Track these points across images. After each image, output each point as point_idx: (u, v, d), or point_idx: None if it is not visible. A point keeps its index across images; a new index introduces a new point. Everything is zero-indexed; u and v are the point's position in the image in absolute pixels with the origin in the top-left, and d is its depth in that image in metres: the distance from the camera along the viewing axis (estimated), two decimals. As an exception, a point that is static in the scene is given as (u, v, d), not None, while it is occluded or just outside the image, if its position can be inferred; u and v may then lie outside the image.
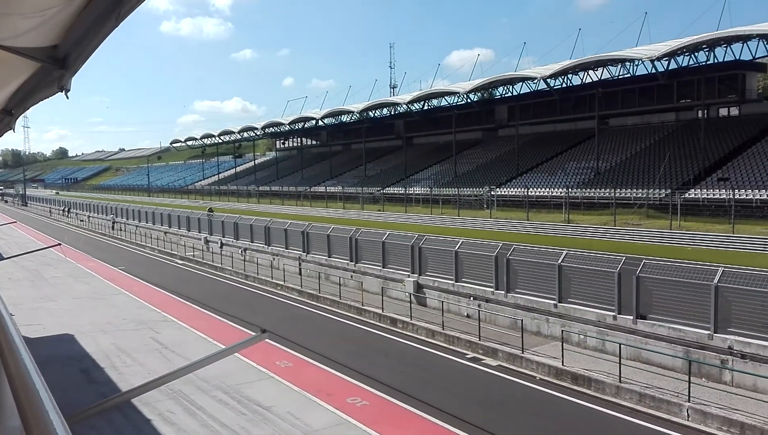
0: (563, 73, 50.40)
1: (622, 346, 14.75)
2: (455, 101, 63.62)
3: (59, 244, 21.71)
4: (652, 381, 13.97)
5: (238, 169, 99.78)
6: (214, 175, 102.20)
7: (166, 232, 47.70)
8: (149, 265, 37.49)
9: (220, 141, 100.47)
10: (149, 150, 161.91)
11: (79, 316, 22.03)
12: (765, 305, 13.52)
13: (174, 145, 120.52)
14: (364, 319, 22.24)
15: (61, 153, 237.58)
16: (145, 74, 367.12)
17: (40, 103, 5.66)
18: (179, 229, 46.97)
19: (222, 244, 38.86)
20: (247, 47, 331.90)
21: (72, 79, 3.84)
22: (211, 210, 51.89)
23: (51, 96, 4.46)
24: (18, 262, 31.13)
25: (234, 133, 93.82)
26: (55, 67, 3.82)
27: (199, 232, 43.09)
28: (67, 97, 4.02)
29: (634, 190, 40.52)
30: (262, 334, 2.30)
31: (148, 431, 11.54)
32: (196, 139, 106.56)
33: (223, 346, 2.94)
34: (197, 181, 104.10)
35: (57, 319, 21.39)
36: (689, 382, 12.88)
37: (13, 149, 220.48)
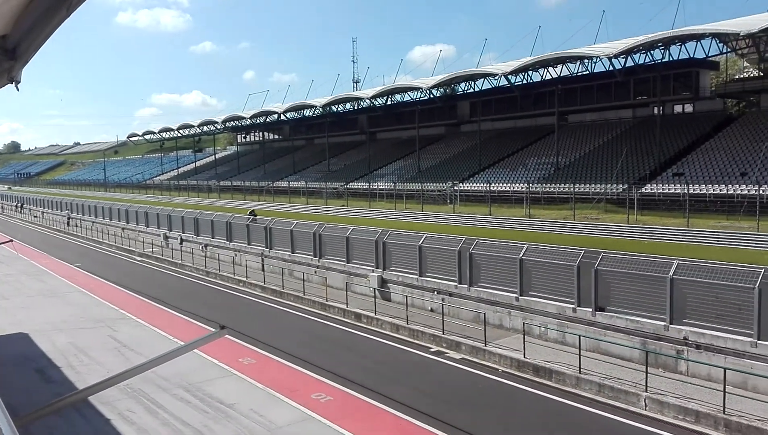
0: (524, 69, 51.03)
1: (581, 337, 15.04)
2: (418, 96, 63.85)
3: (11, 241, 21.00)
4: (611, 372, 14.31)
5: (198, 163, 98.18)
6: (173, 170, 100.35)
7: (123, 228, 46.64)
8: (106, 261, 36.59)
9: (180, 135, 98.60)
10: (106, 144, 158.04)
11: (33, 315, 21.38)
12: (718, 297, 13.97)
13: (131, 139, 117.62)
14: (329, 315, 22.17)
15: (14, 147, 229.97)
16: (101, 66, 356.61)
17: (-10, 94, 5.43)
18: (137, 224, 45.95)
19: (182, 240, 38.18)
20: (206, 40, 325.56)
21: (22, 70, 3.70)
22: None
23: (0, 88, 4.30)
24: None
25: (194, 126, 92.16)
26: (4, 58, 3.67)
27: (158, 228, 42.22)
28: (18, 90, 3.86)
29: (593, 185, 41.36)
30: (221, 330, 2.25)
31: (108, 431, 11.27)
32: (154, 132, 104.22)
33: (182, 343, 2.87)
34: (156, 176, 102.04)
35: (11, 318, 20.72)
36: (646, 372, 13.24)
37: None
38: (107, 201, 61.58)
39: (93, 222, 52.51)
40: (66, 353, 16.55)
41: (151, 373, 13.56)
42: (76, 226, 54.64)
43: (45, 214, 64.95)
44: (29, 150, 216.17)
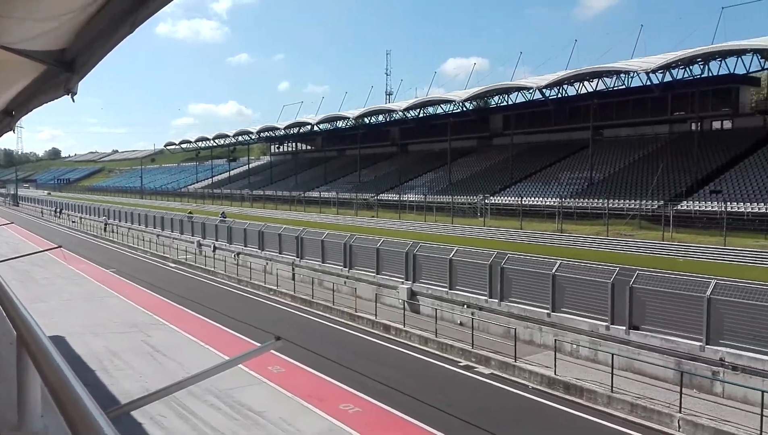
0: (559, 83, 50.70)
1: (614, 356, 14.80)
2: (451, 109, 63.83)
3: (59, 247, 21.56)
4: (644, 391, 14.03)
5: (232, 172, 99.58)
6: (207, 179, 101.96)
7: (158, 235, 47.52)
8: (141, 267, 37.32)
9: (215, 144, 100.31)
10: (143, 152, 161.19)
11: (70, 318, 21.90)
12: (755, 318, 13.62)
13: (168, 147, 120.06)
14: (358, 326, 22.23)
15: (54, 153, 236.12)
16: (139, 76, 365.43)
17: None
18: (172, 231, 46.76)
19: (215, 248, 38.73)
20: (243, 51, 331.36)
21: (79, 83, 3.85)
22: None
23: (56, 99, 4.46)
24: (8, 262, 30.93)
25: (229, 136, 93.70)
26: (61, 70, 3.82)
27: (192, 236, 42.93)
28: (73, 101, 4.01)
29: (627, 201, 40.74)
30: (277, 341, 2.29)
31: (140, 435, 11.47)
32: (190, 142, 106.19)
33: (226, 355, 2.92)
34: (191, 184, 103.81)
35: (48, 321, 21.20)
36: (681, 393, 12.95)
37: (5, 149, 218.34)
38: (143, 208, 62.89)
39: (129, 228, 53.66)
40: (101, 357, 16.92)
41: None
42: (113, 231, 55.89)
43: (83, 219, 66.58)
44: (69, 157, 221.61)
